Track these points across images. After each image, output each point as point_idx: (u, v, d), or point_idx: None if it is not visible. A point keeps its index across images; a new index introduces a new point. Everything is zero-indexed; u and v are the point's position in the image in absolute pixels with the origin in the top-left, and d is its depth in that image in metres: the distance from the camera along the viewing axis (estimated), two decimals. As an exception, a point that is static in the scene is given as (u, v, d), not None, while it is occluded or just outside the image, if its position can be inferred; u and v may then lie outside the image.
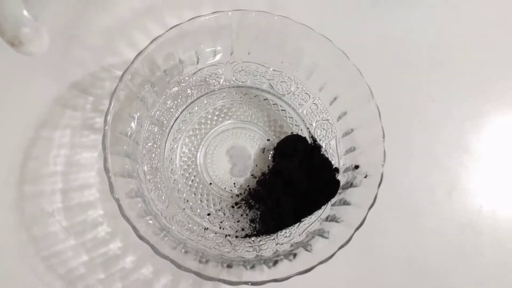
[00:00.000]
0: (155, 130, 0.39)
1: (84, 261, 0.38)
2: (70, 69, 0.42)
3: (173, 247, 0.32)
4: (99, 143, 0.41)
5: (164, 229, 0.34)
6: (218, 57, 0.39)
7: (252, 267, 0.33)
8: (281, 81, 0.41)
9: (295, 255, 0.34)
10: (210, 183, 0.40)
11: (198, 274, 0.31)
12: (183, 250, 0.32)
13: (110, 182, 0.32)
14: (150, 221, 0.33)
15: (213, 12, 0.36)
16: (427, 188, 0.43)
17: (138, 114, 0.37)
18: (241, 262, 0.34)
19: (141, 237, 0.31)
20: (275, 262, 0.33)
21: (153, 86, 0.37)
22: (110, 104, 0.33)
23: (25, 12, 0.33)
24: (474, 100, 0.46)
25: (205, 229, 0.38)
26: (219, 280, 0.31)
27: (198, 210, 0.39)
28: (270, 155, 0.41)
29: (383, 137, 0.35)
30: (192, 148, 0.41)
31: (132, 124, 0.37)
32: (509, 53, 0.48)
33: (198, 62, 0.39)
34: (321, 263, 0.32)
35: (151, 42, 0.35)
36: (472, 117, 0.46)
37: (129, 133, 0.36)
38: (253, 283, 0.31)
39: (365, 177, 0.35)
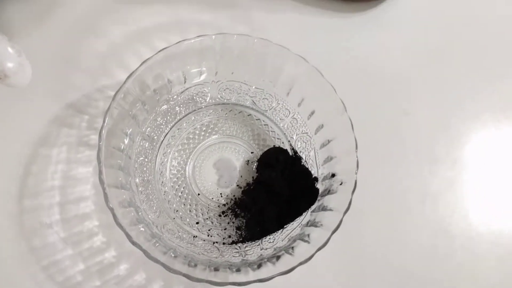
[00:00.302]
0: (146, 145, 0.42)
1: (81, 270, 0.40)
2: (66, 90, 0.45)
3: (163, 252, 0.35)
4: (94, 159, 0.43)
5: (155, 236, 0.37)
6: (203, 77, 0.43)
7: (238, 270, 0.36)
8: (263, 98, 0.44)
9: (278, 257, 0.36)
10: (199, 194, 0.43)
11: (187, 276, 0.33)
12: (172, 255, 0.35)
13: (105, 192, 0.34)
14: (142, 229, 0.36)
15: (198, 36, 0.39)
16: (400, 194, 0.46)
17: (130, 130, 0.40)
18: (228, 265, 0.36)
19: (134, 243, 0.33)
20: (259, 265, 0.36)
21: (143, 104, 0.40)
22: (104, 121, 0.36)
23: (9, 49, 0.37)
24: (444, 112, 0.49)
25: (194, 236, 0.40)
26: (207, 281, 0.33)
27: (188, 219, 0.41)
28: (254, 167, 0.44)
29: (356, 147, 0.38)
30: (181, 162, 0.43)
31: (125, 139, 0.39)
32: (473, 68, 0.52)
33: (185, 82, 0.42)
34: (301, 264, 0.34)
35: (141, 64, 0.38)
36: (442, 128, 0.49)
37: (122, 148, 0.39)
38: (238, 284, 0.34)
39: (341, 184, 0.38)
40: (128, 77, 0.37)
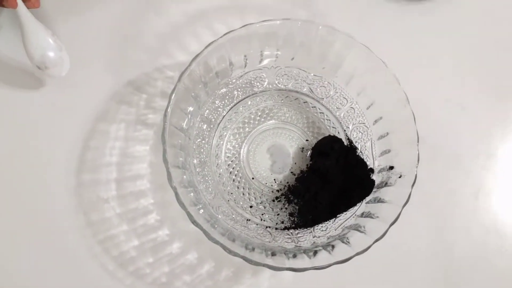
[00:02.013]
0: (204, 127, 0.42)
1: (135, 246, 0.42)
2: (126, 68, 0.46)
3: (222, 234, 0.35)
4: (150, 138, 0.44)
5: (213, 218, 0.37)
6: (264, 62, 0.43)
7: (294, 256, 0.36)
8: (321, 86, 0.44)
9: (333, 246, 0.36)
10: (252, 178, 0.43)
11: (245, 259, 0.33)
12: (231, 238, 0.35)
13: (169, 172, 0.35)
14: (201, 210, 0.36)
15: (263, 20, 0.39)
16: (453, 189, 0.45)
17: (191, 109, 0.40)
18: (283, 251, 0.37)
19: (194, 223, 0.34)
20: (315, 252, 0.36)
21: (205, 85, 0.41)
22: (169, 101, 0.36)
23: (51, 42, 0.41)
24: (501, 108, 0.48)
25: (247, 220, 0.41)
26: (264, 265, 0.34)
27: (241, 203, 0.42)
28: (308, 154, 0.44)
29: (418, 140, 0.38)
30: (236, 145, 0.44)
31: (186, 119, 0.40)
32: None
33: (245, 66, 0.42)
34: (358, 254, 0.34)
35: (207, 46, 0.38)
36: (499, 124, 0.48)
37: (183, 127, 0.39)
38: (295, 270, 0.34)
39: (400, 177, 0.38)
40: (194, 58, 0.38)
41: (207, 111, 0.42)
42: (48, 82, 0.45)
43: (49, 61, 0.41)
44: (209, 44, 0.38)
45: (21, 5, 0.39)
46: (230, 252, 0.34)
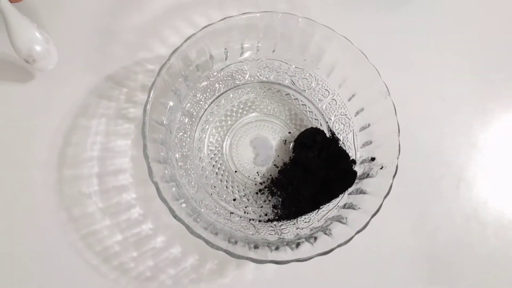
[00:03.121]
0: (186, 120, 0.42)
1: (119, 240, 0.41)
2: (106, 62, 0.45)
3: (204, 228, 0.35)
4: (132, 132, 0.44)
5: (195, 212, 0.37)
6: (245, 54, 0.42)
7: (277, 248, 0.36)
8: (303, 78, 0.44)
9: (315, 238, 0.37)
10: (235, 171, 0.43)
11: (228, 252, 0.34)
12: (214, 231, 0.35)
13: (149, 167, 0.35)
14: (183, 204, 0.36)
15: (242, 13, 0.39)
16: (436, 180, 0.46)
17: (172, 104, 0.40)
18: (266, 243, 0.37)
19: (177, 218, 0.34)
20: (298, 244, 0.36)
21: (185, 79, 0.40)
22: (149, 96, 0.36)
23: (38, 36, 0.40)
24: (480, 99, 0.49)
25: (230, 213, 0.41)
26: (247, 258, 0.34)
27: (224, 196, 0.42)
28: (291, 146, 0.44)
29: (399, 131, 0.38)
30: (219, 138, 0.44)
31: (166, 113, 0.40)
32: (507, 58, 0.51)
33: (226, 59, 0.42)
34: (340, 245, 0.35)
35: (186, 40, 0.38)
36: (478, 114, 0.48)
37: (163, 122, 0.39)
38: (277, 262, 0.34)
39: (381, 168, 0.38)
40: (173, 52, 0.37)
41: (189, 104, 0.42)
42: (26, 77, 0.44)
43: (36, 55, 0.40)
44: (188, 38, 0.37)
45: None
46: (212, 246, 0.34)
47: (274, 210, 0.41)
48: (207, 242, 0.34)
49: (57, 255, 0.41)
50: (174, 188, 0.37)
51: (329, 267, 0.42)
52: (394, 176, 0.37)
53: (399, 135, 0.38)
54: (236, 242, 0.35)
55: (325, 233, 0.37)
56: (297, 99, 0.45)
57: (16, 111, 0.43)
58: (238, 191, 0.42)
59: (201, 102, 0.43)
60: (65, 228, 0.41)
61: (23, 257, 0.40)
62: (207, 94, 0.43)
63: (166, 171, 0.37)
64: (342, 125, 0.43)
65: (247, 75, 0.44)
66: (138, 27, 0.47)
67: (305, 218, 0.41)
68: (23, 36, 0.39)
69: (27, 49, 0.40)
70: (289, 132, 0.44)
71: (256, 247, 0.36)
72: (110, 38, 0.46)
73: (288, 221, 0.41)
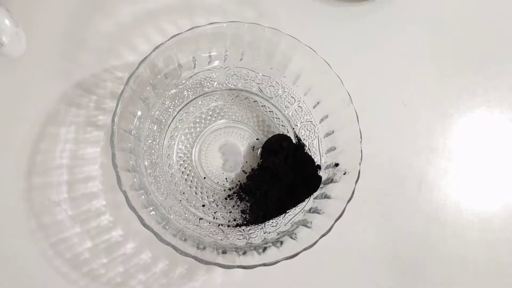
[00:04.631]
0: (155, 128, 0.43)
1: (89, 247, 0.42)
2: (74, 69, 0.45)
3: (173, 235, 0.36)
4: (101, 139, 0.44)
5: (164, 219, 0.38)
6: (214, 63, 0.43)
7: (244, 253, 0.37)
8: (270, 85, 0.45)
9: (281, 242, 0.38)
10: (204, 177, 0.44)
11: (196, 258, 0.34)
12: (182, 238, 0.36)
13: (118, 176, 0.35)
14: (153, 212, 0.37)
15: (210, 23, 0.39)
16: (398, 183, 0.48)
17: (140, 113, 0.40)
18: (234, 248, 0.38)
19: (146, 226, 0.35)
20: (264, 249, 0.37)
21: (154, 88, 0.41)
22: (117, 106, 0.37)
23: (6, 20, 0.38)
24: (441, 104, 0.51)
25: (200, 219, 0.42)
26: (215, 264, 0.35)
27: (194, 202, 0.43)
28: (258, 152, 0.45)
29: (361, 138, 0.39)
30: (188, 145, 0.44)
31: (135, 121, 0.40)
32: (471, 62, 0.53)
33: (194, 67, 0.43)
34: (305, 249, 0.36)
35: (154, 50, 0.38)
36: (439, 118, 0.51)
37: (131, 130, 0.40)
38: (244, 267, 0.35)
39: (344, 173, 0.40)
40: (141, 62, 0.38)
41: (157, 112, 0.43)
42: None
43: (5, 38, 0.38)
44: (156, 47, 0.38)
45: None
46: (181, 253, 0.34)
47: (242, 215, 0.42)
48: (176, 249, 0.34)
49: (26, 263, 0.41)
50: (143, 196, 0.38)
51: (296, 269, 0.43)
52: (356, 182, 0.38)
53: (361, 142, 0.39)
54: (204, 248, 0.36)
55: (291, 237, 0.38)
56: (264, 106, 0.46)
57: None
58: (207, 197, 0.43)
59: (170, 110, 0.44)
60: (35, 236, 0.41)
61: (-9, 265, 0.41)
62: (176, 101, 0.44)
63: (135, 179, 0.38)
64: (308, 131, 0.44)
65: (216, 83, 0.45)
66: (107, 34, 0.47)
67: (272, 222, 0.42)
68: None
69: None
70: (257, 139, 0.45)
71: (224, 252, 0.37)
72: (79, 45, 0.46)
73: (256, 226, 0.42)
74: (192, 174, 0.44)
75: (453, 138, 0.50)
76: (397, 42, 0.52)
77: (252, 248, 0.38)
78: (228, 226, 0.42)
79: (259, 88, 0.45)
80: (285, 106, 0.45)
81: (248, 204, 0.43)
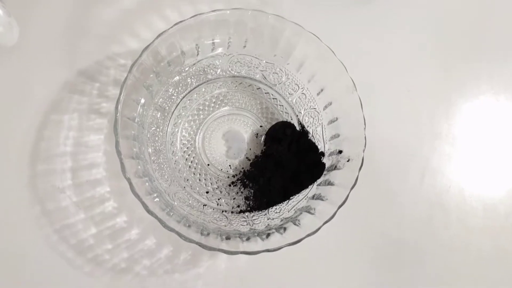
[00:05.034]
0: (158, 115, 0.43)
1: (93, 233, 0.42)
2: (77, 57, 0.45)
3: (177, 221, 0.36)
4: (105, 126, 0.44)
5: (168, 205, 0.38)
6: (216, 50, 0.43)
7: (248, 239, 0.37)
8: (273, 72, 0.45)
9: (285, 228, 0.38)
10: (208, 164, 0.44)
11: (200, 244, 0.35)
12: (186, 224, 0.37)
13: (122, 163, 0.35)
14: (157, 199, 0.37)
15: (213, 10, 0.39)
16: (402, 171, 0.48)
17: (143, 100, 0.40)
18: (238, 234, 0.38)
19: (150, 212, 0.35)
20: (268, 235, 0.38)
21: (157, 75, 0.41)
22: (120, 93, 0.37)
23: None
24: (445, 90, 0.51)
25: (203, 205, 0.42)
26: (219, 250, 0.35)
27: (197, 188, 0.43)
28: (262, 140, 0.45)
29: (365, 125, 0.39)
30: (191, 132, 0.45)
31: (138, 109, 0.40)
32: (475, 48, 0.53)
33: (198, 54, 0.43)
34: (308, 235, 0.36)
35: (157, 37, 0.38)
36: (443, 105, 0.50)
37: (135, 118, 0.40)
38: (248, 253, 0.35)
39: (348, 161, 0.40)
40: (144, 49, 0.38)
41: (161, 99, 0.43)
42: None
43: None
44: (159, 35, 0.38)
45: None
46: (185, 239, 0.35)
47: (246, 201, 0.43)
48: (180, 235, 0.35)
49: (31, 248, 0.41)
50: (147, 183, 0.38)
51: (299, 255, 0.43)
52: (360, 169, 0.38)
53: (365, 129, 0.39)
54: (208, 234, 0.37)
55: (295, 224, 0.38)
56: (268, 93, 0.46)
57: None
58: (211, 183, 0.44)
59: (173, 97, 0.44)
60: (39, 222, 0.42)
61: (-3, 251, 0.41)
62: (179, 88, 0.44)
63: (139, 167, 0.38)
64: (312, 118, 0.44)
65: (219, 70, 0.45)
66: (109, 21, 0.47)
67: (276, 208, 0.42)
68: None
69: None
70: (261, 126, 0.45)
71: (228, 238, 0.37)
72: (82, 32, 0.46)
73: (260, 212, 0.42)
74: (196, 161, 0.44)
75: (457, 124, 0.50)
76: (402, 29, 0.52)
77: (256, 234, 0.38)
78: (232, 212, 0.42)
79: (262, 75, 0.45)
80: (289, 93, 0.45)
81: (252, 191, 0.43)
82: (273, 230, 0.38)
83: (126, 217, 0.43)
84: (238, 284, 0.43)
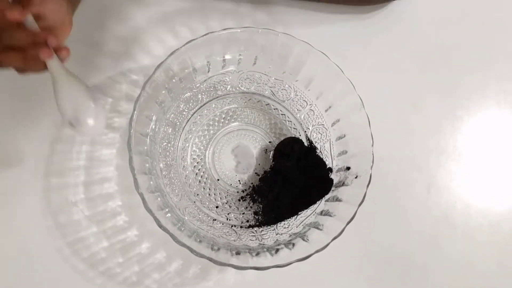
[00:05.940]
0: (170, 131, 0.44)
1: (105, 247, 0.43)
2: (90, 73, 0.46)
3: (188, 236, 0.37)
4: (117, 141, 0.45)
5: (179, 220, 0.39)
6: (227, 67, 0.44)
7: (257, 254, 0.38)
8: (282, 89, 0.46)
9: (293, 244, 0.39)
10: (218, 179, 0.45)
11: (211, 259, 0.35)
12: (197, 239, 0.37)
13: (135, 179, 0.36)
14: (168, 214, 0.38)
15: (224, 29, 0.40)
16: (408, 186, 0.48)
17: (155, 116, 0.41)
18: (247, 249, 0.39)
19: (162, 227, 0.35)
20: (277, 250, 0.38)
21: (169, 91, 0.42)
22: (134, 109, 0.37)
23: (85, 99, 0.36)
24: (450, 106, 0.51)
25: (213, 220, 0.43)
26: (229, 265, 0.36)
27: (207, 203, 0.43)
28: (271, 155, 0.46)
29: (372, 142, 0.40)
30: (202, 147, 0.45)
31: (151, 124, 0.41)
32: (480, 65, 0.53)
33: (209, 71, 0.44)
34: (317, 251, 0.37)
35: (170, 55, 0.39)
36: (448, 121, 0.51)
37: (148, 133, 0.40)
38: (258, 268, 0.36)
39: (356, 177, 0.41)
40: (157, 67, 0.39)
41: (172, 115, 0.44)
42: (12, 88, 0.45)
43: (82, 119, 0.36)
44: (172, 53, 0.39)
45: (54, 58, 0.35)
46: (197, 254, 0.35)
47: (255, 216, 0.43)
48: (191, 250, 0.35)
49: (44, 260, 0.42)
50: (159, 198, 0.38)
51: (307, 270, 0.44)
52: (367, 186, 0.39)
53: (372, 146, 0.40)
54: (219, 249, 0.37)
55: (303, 239, 0.39)
56: (276, 109, 0.46)
57: (3, 119, 0.45)
58: (221, 198, 0.44)
59: (184, 112, 0.45)
60: (52, 234, 0.42)
61: (9, 262, 0.42)
62: (190, 104, 0.45)
63: (151, 182, 0.39)
64: (320, 134, 0.45)
65: (229, 86, 0.46)
66: (122, 38, 0.48)
67: (284, 224, 0.43)
68: (71, 100, 0.36)
69: (72, 110, 0.36)
70: (269, 141, 0.46)
71: (238, 253, 0.38)
72: (95, 48, 0.47)
73: (268, 227, 0.43)
74: (206, 175, 0.45)
75: (463, 140, 0.51)
76: (407, 46, 0.52)
77: (265, 249, 0.39)
78: (241, 227, 0.43)
79: (271, 91, 0.46)
80: (297, 110, 0.46)
81: (261, 206, 0.43)
82: (282, 246, 0.39)
83: (137, 231, 0.44)
84: (246, 298, 0.44)
